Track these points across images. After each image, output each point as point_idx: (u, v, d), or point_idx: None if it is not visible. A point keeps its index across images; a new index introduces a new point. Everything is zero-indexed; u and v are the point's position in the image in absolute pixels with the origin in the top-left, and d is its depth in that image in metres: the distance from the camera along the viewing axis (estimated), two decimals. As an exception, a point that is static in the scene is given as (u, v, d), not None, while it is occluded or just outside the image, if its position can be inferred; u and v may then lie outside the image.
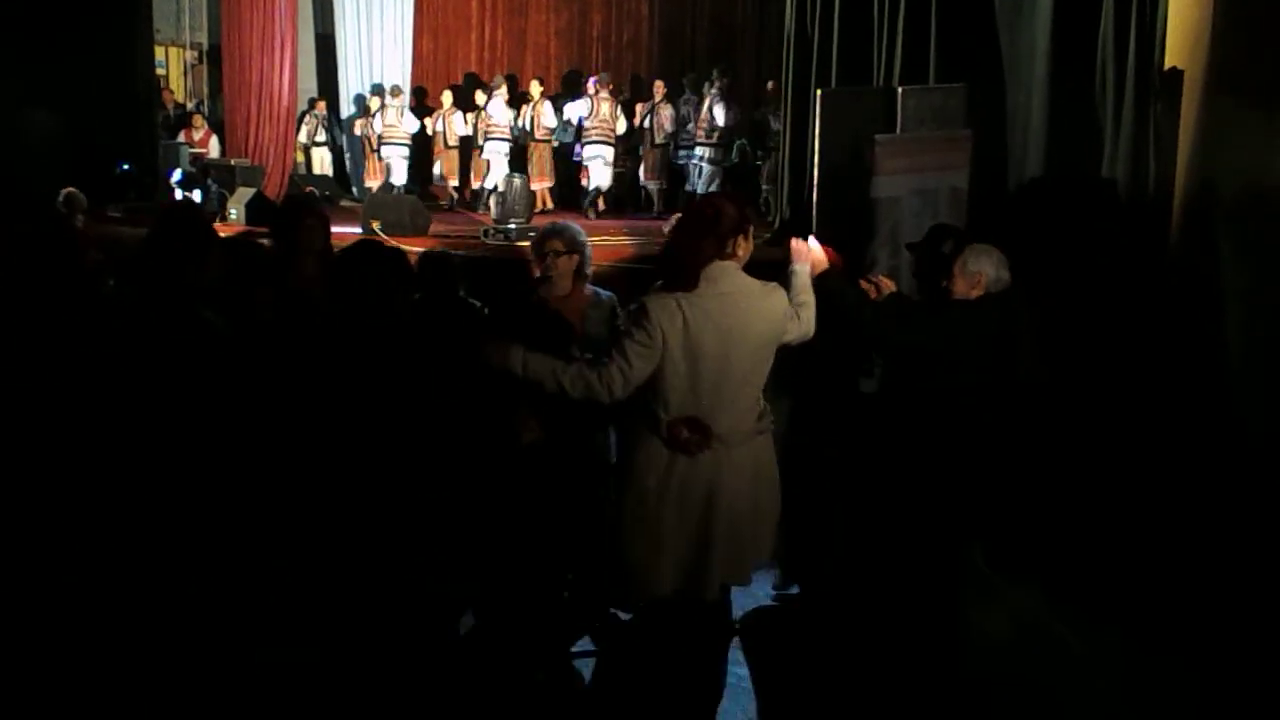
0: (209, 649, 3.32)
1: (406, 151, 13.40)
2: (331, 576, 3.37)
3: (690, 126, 12.35)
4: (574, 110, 12.66)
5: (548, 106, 12.90)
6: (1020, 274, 4.23)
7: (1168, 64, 6.70)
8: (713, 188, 11.72)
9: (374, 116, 13.38)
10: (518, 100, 13.30)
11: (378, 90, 14.17)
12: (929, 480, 4.08)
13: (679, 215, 4.74)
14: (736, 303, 3.19)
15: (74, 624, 3.34)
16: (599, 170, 12.46)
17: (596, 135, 12.44)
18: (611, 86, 12.78)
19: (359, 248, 3.55)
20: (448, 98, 13.51)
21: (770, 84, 11.63)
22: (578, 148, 12.81)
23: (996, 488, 4.22)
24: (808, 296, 3.56)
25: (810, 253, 3.76)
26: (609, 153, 12.45)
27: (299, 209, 4.38)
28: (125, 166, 11.26)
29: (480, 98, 13.31)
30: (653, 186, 12.68)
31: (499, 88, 13.03)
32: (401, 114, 13.33)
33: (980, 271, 4.13)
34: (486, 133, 12.95)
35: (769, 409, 3.36)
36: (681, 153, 12.24)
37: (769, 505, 3.43)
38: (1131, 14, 6.78)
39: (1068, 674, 3.86)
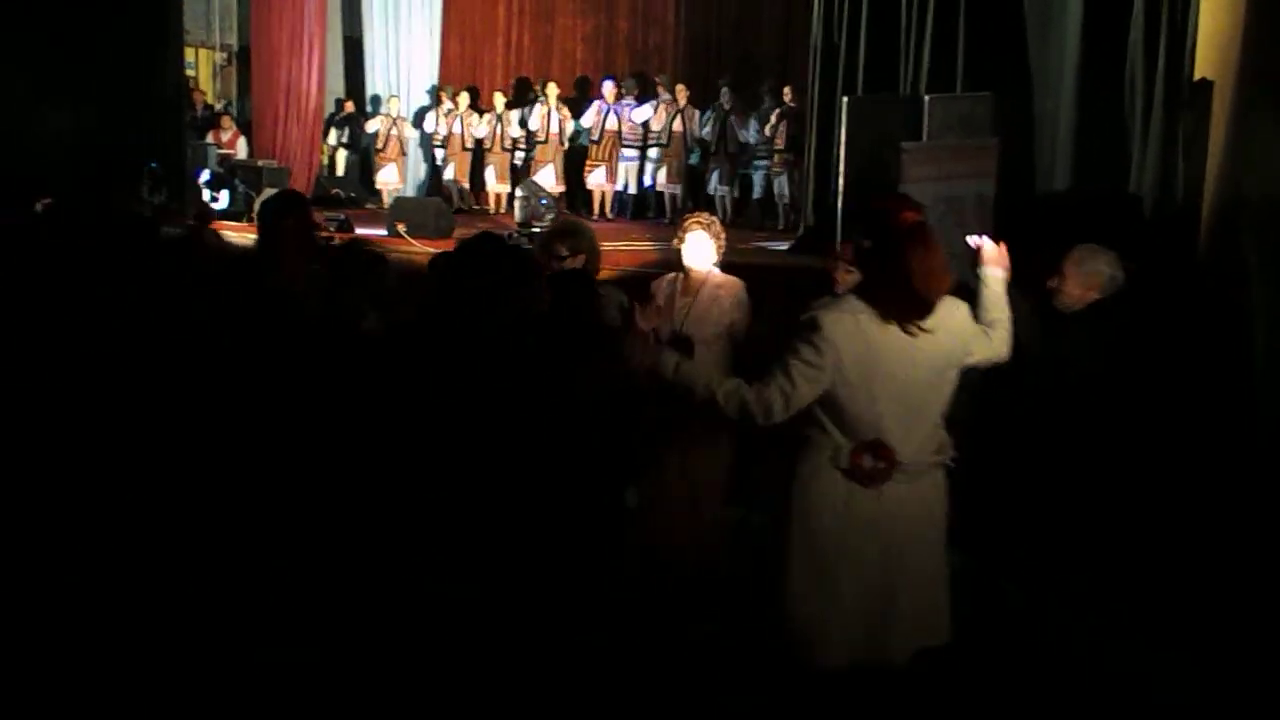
0: (209, 649, 3.32)
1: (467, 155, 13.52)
2: (331, 576, 3.35)
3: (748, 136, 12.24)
4: (641, 115, 12.62)
5: (567, 111, 12.94)
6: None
7: (1197, 74, 6.67)
8: (784, 195, 11.66)
9: (441, 117, 13.50)
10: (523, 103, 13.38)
11: (437, 93, 14.17)
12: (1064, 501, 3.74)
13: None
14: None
15: (75, 624, 3.36)
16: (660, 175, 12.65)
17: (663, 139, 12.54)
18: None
19: (477, 241, 3.26)
20: (464, 100, 13.55)
21: (787, 90, 11.58)
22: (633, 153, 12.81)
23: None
24: (1001, 313, 3.12)
25: (1003, 256, 3.26)
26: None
27: (279, 207, 4.32)
28: (153, 165, 11.36)
29: (499, 101, 13.36)
30: (671, 191, 12.65)
31: (542, 95, 13.07)
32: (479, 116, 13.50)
33: (1097, 272, 3.85)
34: (534, 138, 12.99)
35: (948, 439, 2.99)
36: (758, 163, 12.14)
37: (942, 550, 3.01)
38: (1161, 24, 6.76)
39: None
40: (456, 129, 13.40)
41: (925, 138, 6.90)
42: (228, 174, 11.86)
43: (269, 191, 11.22)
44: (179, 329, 3.63)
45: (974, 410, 3.70)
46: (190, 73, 14.18)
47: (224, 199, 11.54)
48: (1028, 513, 3.87)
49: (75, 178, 9.80)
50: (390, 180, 13.57)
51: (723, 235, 4.62)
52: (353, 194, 13.82)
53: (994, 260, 3.24)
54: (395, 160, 13.57)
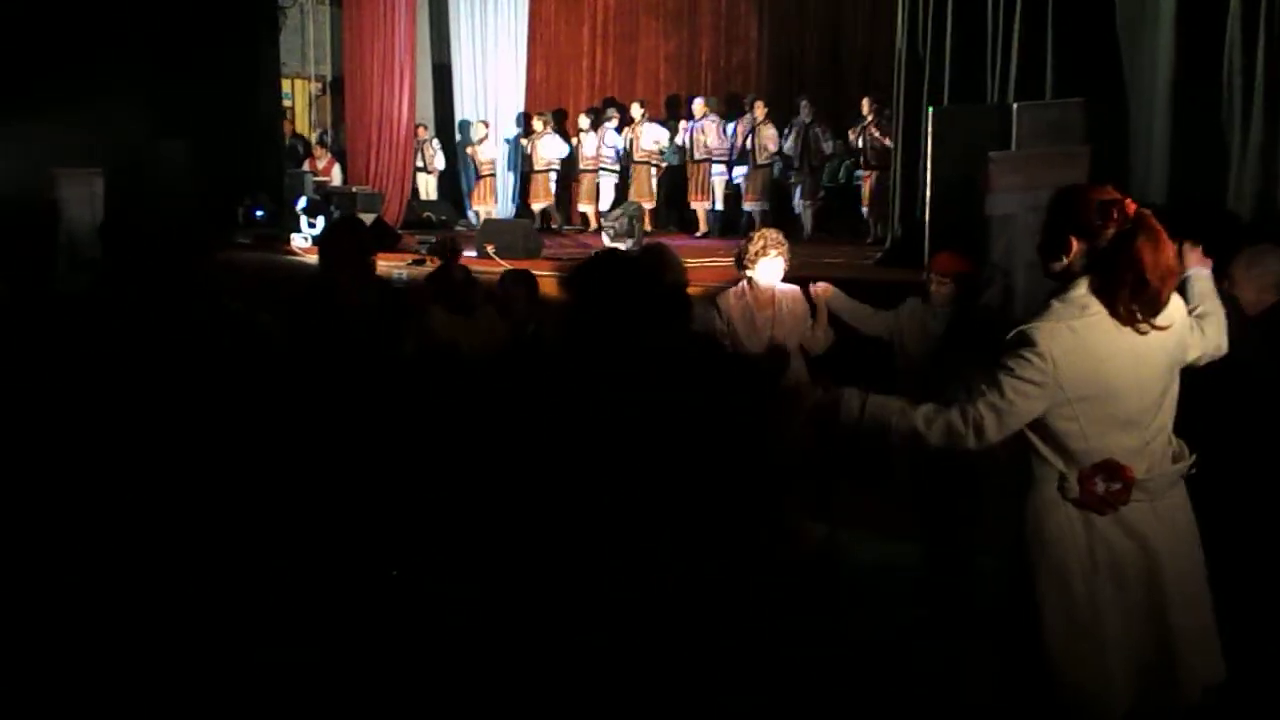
0: (209, 649, 3.39)
1: (554, 175, 13.72)
2: (331, 576, 3.40)
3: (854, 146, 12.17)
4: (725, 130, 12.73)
5: (648, 128, 13.03)
6: None
7: (1299, 75, 6.47)
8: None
9: (534, 142, 13.65)
10: (622, 123, 13.46)
11: (527, 117, 14.43)
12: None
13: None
14: None
15: (75, 623, 3.47)
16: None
17: (761, 158, 12.51)
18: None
19: (596, 261, 3.20)
20: (539, 123, 13.74)
21: (865, 101, 11.50)
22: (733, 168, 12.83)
23: None
24: (1213, 305, 2.90)
25: (1203, 256, 3.07)
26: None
27: (338, 229, 4.49)
28: (259, 214, 11.80)
29: (584, 123, 13.51)
30: (754, 209, 12.62)
31: (644, 113, 13.22)
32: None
33: (1270, 271, 3.69)
34: (637, 158, 13.12)
35: (1184, 446, 2.73)
36: (859, 173, 12.10)
37: (1203, 572, 2.73)
38: (1260, 23, 6.57)
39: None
40: (545, 152, 13.58)
41: (1014, 146, 6.81)
42: (323, 201, 12.19)
43: (363, 217, 11.55)
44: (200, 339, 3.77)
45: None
46: (287, 103, 14.66)
47: (320, 225, 11.86)
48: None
49: (192, 206, 10.27)
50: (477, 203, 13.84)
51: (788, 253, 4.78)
52: (444, 216, 14.10)
53: (1198, 261, 3.03)
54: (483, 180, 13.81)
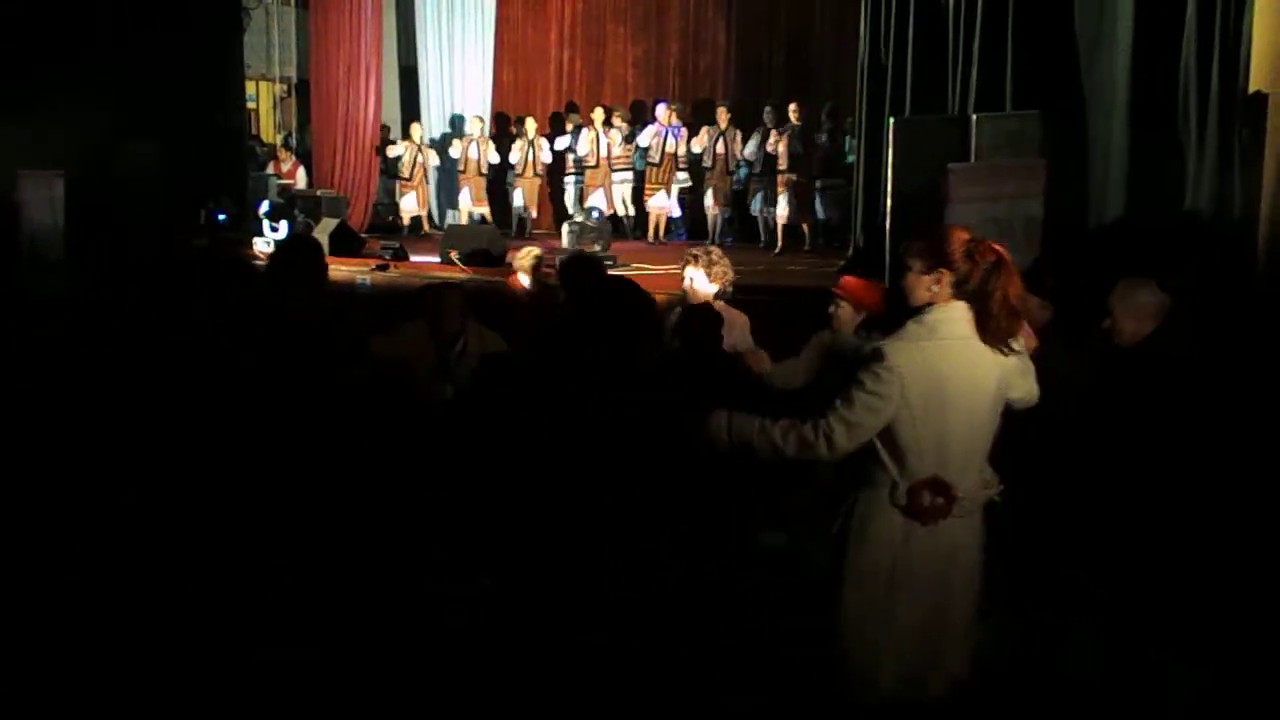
0: (209, 649, 3.39)
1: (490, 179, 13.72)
2: (331, 576, 3.42)
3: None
4: (697, 145, 12.80)
5: (614, 134, 13.07)
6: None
7: (1251, 87, 6.59)
8: (784, 215, 11.81)
9: (480, 145, 13.63)
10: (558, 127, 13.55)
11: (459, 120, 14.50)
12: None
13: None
14: (981, 350, 2.82)
15: (75, 624, 3.47)
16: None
17: (732, 164, 12.60)
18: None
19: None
20: (477, 126, 13.75)
21: (793, 107, 11.69)
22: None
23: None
24: (1028, 363, 3.05)
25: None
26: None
27: (292, 244, 4.48)
28: (221, 217, 11.72)
29: (530, 127, 13.51)
30: (717, 214, 12.66)
31: (588, 121, 13.24)
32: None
33: (1146, 303, 3.85)
34: (613, 163, 13.13)
35: (994, 474, 2.97)
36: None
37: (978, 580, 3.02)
38: (1214, 37, 6.69)
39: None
40: (474, 155, 13.51)
41: (973, 157, 6.89)
42: (287, 204, 12.10)
43: (328, 221, 11.50)
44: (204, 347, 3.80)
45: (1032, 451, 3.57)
46: (251, 105, 14.54)
47: (283, 229, 11.78)
48: (1103, 550, 3.79)
49: (155, 208, 10.19)
50: (410, 208, 13.72)
51: (719, 265, 4.73)
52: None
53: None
54: (417, 188, 13.69)
